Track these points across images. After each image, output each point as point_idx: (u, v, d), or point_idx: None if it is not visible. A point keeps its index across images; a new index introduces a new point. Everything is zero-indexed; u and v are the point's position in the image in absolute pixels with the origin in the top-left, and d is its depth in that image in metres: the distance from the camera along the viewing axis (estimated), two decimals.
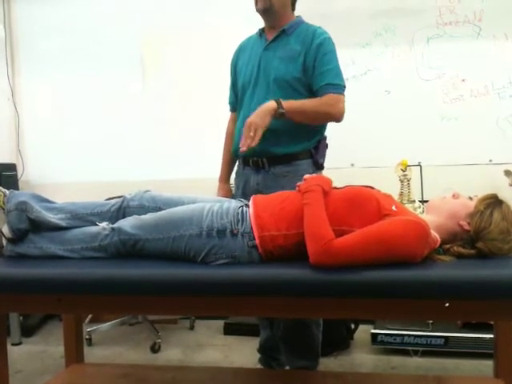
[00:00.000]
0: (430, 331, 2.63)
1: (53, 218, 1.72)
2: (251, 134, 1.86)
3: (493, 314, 1.46)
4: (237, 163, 2.31)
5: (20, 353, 2.92)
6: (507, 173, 2.85)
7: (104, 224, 1.69)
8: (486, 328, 2.41)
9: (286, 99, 1.96)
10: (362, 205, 1.53)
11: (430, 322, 2.63)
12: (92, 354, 2.82)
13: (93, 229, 1.70)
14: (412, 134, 3.13)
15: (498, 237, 1.54)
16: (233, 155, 2.29)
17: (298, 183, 1.62)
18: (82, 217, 1.75)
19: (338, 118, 2.05)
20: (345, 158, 3.11)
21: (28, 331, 3.17)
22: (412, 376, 2.40)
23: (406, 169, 2.76)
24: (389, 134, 3.16)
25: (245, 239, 1.55)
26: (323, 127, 2.16)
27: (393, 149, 3.07)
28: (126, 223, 1.66)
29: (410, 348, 2.67)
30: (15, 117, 3.72)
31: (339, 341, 2.79)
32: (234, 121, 2.30)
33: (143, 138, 3.51)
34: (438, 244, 1.57)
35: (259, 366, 2.40)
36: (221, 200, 1.79)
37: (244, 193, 2.15)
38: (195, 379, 2.12)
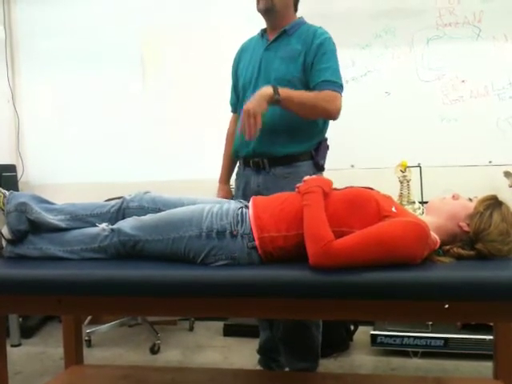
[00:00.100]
0: (429, 332, 2.63)
1: (52, 219, 1.72)
2: (251, 120, 1.83)
3: (492, 315, 1.46)
4: (237, 164, 2.30)
5: (19, 354, 2.92)
6: (507, 174, 2.85)
7: (104, 225, 1.69)
8: (485, 329, 2.41)
9: None
10: (362, 206, 1.53)
11: (430, 323, 2.62)
12: (91, 356, 2.82)
13: (92, 230, 1.70)
14: (412, 135, 3.13)
15: (498, 238, 1.54)
16: (233, 156, 2.29)
17: (298, 184, 1.63)
18: (82, 218, 1.75)
19: (334, 115, 2.03)
20: (345, 159, 3.11)
21: (27, 332, 3.17)
22: (412, 377, 2.40)
23: (405, 170, 2.76)
24: (389, 135, 3.16)
25: (244, 240, 1.55)
26: (324, 128, 2.16)
27: (392, 150, 3.07)
28: (126, 224, 1.66)
29: (409, 349, 2.67)
30: (15, 117, 3.72)
31: (339, 342, 2.79)
32: (235, 122, 2.30)
33: (143, 138, 3.51)
34: (438, 245, 1.57)
35: (259, 367, 2.40)
36: (220, 201, 1.78)
37: (244, 194, 2.15)
38: (195, 380, 2.12)
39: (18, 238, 1.71)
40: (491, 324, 2.08)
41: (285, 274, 1.47)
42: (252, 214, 1.59)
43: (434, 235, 1.55)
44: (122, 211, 1.76)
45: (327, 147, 2.17)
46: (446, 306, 1.39)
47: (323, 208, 1.50)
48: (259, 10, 2.12)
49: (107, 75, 3.55)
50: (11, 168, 3.42)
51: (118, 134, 3.53)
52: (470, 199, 1.64)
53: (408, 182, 2.74)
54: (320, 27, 2.12)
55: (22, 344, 3.07)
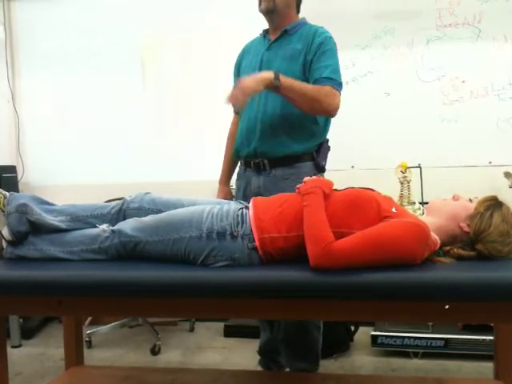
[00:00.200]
0: (430, 333, 2.63)
1: (53, 220, 1.72)
2: (239, 94, 1.82)
3: (493, 315, 1.46)
4: (238, 165, 2.31)
5: (20, 355, 2.92)
6: (507, 175, 2.85)
7: (104, 226, 1.69)
8: (486, 330, 2.41)
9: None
10: (362, 207, 1.53)
11: (430, 323, 2.63)
12: (92, 357, 2.82)
13: (93, 231, 1.70)
14: (412, 135, 3.13)
15: (498, 239, 1.54)
16: (234, 156, 2.29)
17: (298, 185, 1.63)
18: (82, 219, 1.75)
19: (332, 111, 2.02)
20: (345, 159, 3.11)
21: (28, 333, 3.17)
22: (412, 378, 2.40)
23: (405, 171, 2.76)
24: (389, 136, 3.16)
25: (245, 241, 1.55)
26: (325, 129, 2.15)
27: (393, 151, 3.07)
28: (127, 225, 1.66)
29: (410, 350, 2.67)
30: (15, 118, 3.73)
31: (339, 343, 2.79)
32: (236, 123, 2.30)
33: (143, 140, 3.51)
34: (438, 246, 1.57)
35: (259, 368, 2.40)
36: (220, 202, 1.79)
37: (245, 195, 2.15)
38: (195, 381, 2.12)
39: (18, 239, 1.71)
40: (492, 324, 2.08)
41: (285, 275, 1.47)
42: (252, 215, 1.59)
43: (435, 236, 1.55)
44: (122, 212, 1.76)
45: (328, 148, 2.17)
46: (447, 306, 1.39)
47: (323, 209, 1.50)
48: (261, 11, 2.13)
49: (107, 76, 3.55)
50: (11, 169, 3.43)
51: (118, 135, 3.53)
52: (470, 200, 1.64)
53: (408, 182, 2.74)
54: (321, 27, 2.13)
55: (23, 345, 3.07)
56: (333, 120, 2.14)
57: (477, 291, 1.37)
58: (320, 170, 2.13)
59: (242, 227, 1.57)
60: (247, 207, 1.65)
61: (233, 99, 1.84)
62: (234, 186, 2.32)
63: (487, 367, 2.35)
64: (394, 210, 1.53)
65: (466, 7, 3.09)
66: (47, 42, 3.65)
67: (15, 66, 3.73)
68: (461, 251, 1.57)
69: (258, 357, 2.40)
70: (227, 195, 2.37)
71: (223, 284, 1.47)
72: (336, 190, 1.64)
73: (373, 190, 1.65)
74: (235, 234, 1.56)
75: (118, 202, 1.80)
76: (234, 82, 2.32)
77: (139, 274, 1.53)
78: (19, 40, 3.72)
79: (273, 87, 1.88)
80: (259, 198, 1.73)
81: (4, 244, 1.74)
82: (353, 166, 3.23)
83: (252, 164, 2.14)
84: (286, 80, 1.89)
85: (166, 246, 1.60)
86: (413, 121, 3.14)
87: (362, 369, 2.61)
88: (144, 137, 3.51)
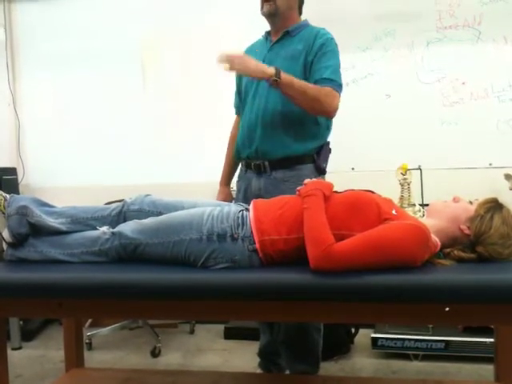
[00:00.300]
0: (430, 335, 2.62)
1: (53, 222, 1.72)
2: (230, 60, 1.83)
3: (493, 317, 1.46)
4: (239, 166, 2.31)
5: (20, 357, 2.91)
6: (507, 176, 2.85)
7: (104, 228, 1.69)
8: (486, 332, 2.41)
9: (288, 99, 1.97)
10: (363, 209, 1.53)
11: (431, 326, 2.62)
12: (92, 359, 2.82)
13: (93, 233, 1.70)
14: (412, 137, 3.13)
15: (498, 241, 1.54)
16: (235, 158, 2.29)
17: (299, 188, 1.63)
18: (83, 221, 1.75)
19: (331, 112, 2.02)
20: (345, 161, 3.11)
21: (28, 335, 3.17)
22: (412, 380, 2.40)
23: (406, 172, 2.76)
24: (389, 138, 3.16)
25: (245, 243, 1.55)
26: (327, 130, 2.15)
27: (393, 152, 3.07)
28: (127, 227, 1.66)
29: (410, 352, 2.67)
30: (15, 120, 3.73)
31: (340, 345, 2.78)
32: (238, 124, 2.30)
33: (143, 141, 3.51)
34: (439, 248, 1.57)
35: (259, 370, 2.40)
36: (221, 204, 1.79)
37: (245, 197, 2.15)
38: (195, 383, 2.12)
39: (18, 241, 1.71)
40: (492, 327, 2.08)
41: (285, 277, 1.47)
42: (252, 217, 1.59)
43: (435, 238, 1.55)
44: (122, 214, 1.76)
45: (329, 151, 2.17)
46: (447, 308, 1.39)
47: (324, 211, 1.50)
48: (263, 14, 2.13)
49: (107, 77, 3.56)
50: (12, 171, 3.43)
51: (119, 137, 3.54)
52: (471, 202, 1.64)
53: (408, 184, 2.74)
54: (323, 28, 2.13)
55: (23, 347, 3.07)
56: (333, 122, 2.15)
57: (477, 293, 1.37)
58: (321, 172, 2.13)
59: (242, 229, 1.57)
60: (247, 209, 1.65)
61: (227, 60, 1.84)
62: (235, 188, 2.32)
63: (487, 369, 2.35)
64: (394, 212, 1.54)
65: (466, 9, 3.09)
66: (47, 44, 3.65)
67: (15, 68, 3.74)
68: (461, 253, 1.57)
69: (258, 359, 2.40)
70: (227, 196, 2.37)
71: (223, 286, 1.47)
72: (336, 192, 1.64)
73: (373, 192, 1.65)
74: (235, 236, 1.56)
75: (119, 204, 1.80)
76: (236, 83, 2.33)
77: (139, 276, 1.53)
78: (20, 42, 3.73)
79: (271, 83, 1.89)
80: (259, 200, 1.73)
81: (4, 246, 1.74)
82: (353, 168, 3.23)
83: (253, 166, 2.14)
84: (286, 77, 1.90)
85: (167, 248, 1.60)
86: (413, 122, 3.14)
87: (362, 371, 2.61)
88: (144, 138, 3.51)
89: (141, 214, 1.74)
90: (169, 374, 2.26)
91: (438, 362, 2.62)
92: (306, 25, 2.17)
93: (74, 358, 2.21)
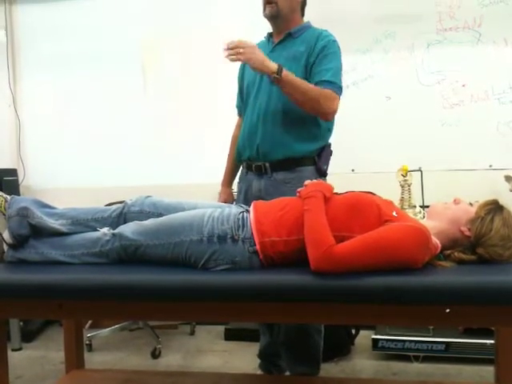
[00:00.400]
0: (430, 337, 2.62)
1: (54, 223, 1.72)
2: (247, 52, 1.86)
3: (494, 319, 1.46)
4: (240, 168, 2.31)
5: (20, 358, 2.91)
6: (508, 178, 2.85)
7: (105, 229, 1.69)
8: (487, 334, 2.41)
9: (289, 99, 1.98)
10: (363, 211, 1.53)
11: (431, 327, 2.62)
12: (92, 360, 2.82)
13: (94, 234, 1.70)
14: (412, 139, 3.13)
15: (499, 243, 1.55)
16: (236, 160, 2.30)
17: (299, 189, 1.63)
18: (83, 222, 1.75)
19: (329, 114, 2.04)
20: (345, 163, 3.11)
21: (28, 337, 3.16)
22: (413, 382, 2.40)
23: (406, 174, 2.75)
24: (389, 140, 3.16)
25: (245, 245, 1.56)
26: (328, 132, 2.16)
27: (393, 154, 3.07)
28: (127, 229, 1.66)
29: (410, 354, 2.66)
30: (16, 121, 3.73)
31: (340, 346, 2.78)
32: (240, 126, 2.30)
33: (144, 143, 3.51)
34: (439, 250, 1.57)
35: (259, 371, 2.40)
36: (221, 205, 1.79)
37: (246, 198, 2.15)
38: None
39: (19, 242, 1.72)
40: (492, 328, 2.08)
41: (286, 279, 1.47)
42: (253, 219, 1.59)
43: (435, 240, 1.55)
44: (123, 216, 1.77)
45: (330, 153, 2.17)
46: (448, 310, 1.39)
47: (324, 213, 1.50)
48: (265, 16, 2.14)
49: (108, 79, 3.56)
50: (12, 172, 3.43)
51: (120, 138, 3.54)
52: (471, 204, 1.64)
53: (409, 186, 2.74)
54: (325, 30, 2.14)
55: (23, 348, 3.07)
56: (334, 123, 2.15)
57: (478, 295, 1.37)
58: (322, 174, 2.13)
59: (242, 231, 1.57)
60: (248, 211, 1.65)
61: (237, 47, 1.86)
62: (236, 189, 2.32)
63: (488, 371, 2.34)
64: (394, 213, 1.54)
65: (467, 11, 3.09)
66: (48, 45, 3.65)
67: (16, 69, 3.74)
68: (462, 255, 1.57)
69: (259, 360, 2.40)
70: (229, 197, 2.37)
71: (224, 287, 1.47)
72: (337, 193, 1.64)
73: (373, 193, 1.65)
74: (236, 237, 1.56)
75: (119, 205, 1.80)
76: (238, 84, 2.33)
77: (140, 277, 1.53)
78: (20, 43, 3.73)
79: (272, 79, 1.90)
80: (260, 201, 1.73)
81: (5, 247, 1.74)
82: (353, 170, 3.23)
83: (253, 167, 2.15)
84: (287, 75, 1.91)
85: (167, 249, 1.60)
86: (413, 124, 3.14)
87: (362, 372, 2.61)
88: (145, 139, 3.51)
89: (141, 215, 1.74)
90: (169, 375, 2.26)
91: (439, 364, 2.62)
92: (308, 26, 2.17)
93: (74, 359, 2.21)
